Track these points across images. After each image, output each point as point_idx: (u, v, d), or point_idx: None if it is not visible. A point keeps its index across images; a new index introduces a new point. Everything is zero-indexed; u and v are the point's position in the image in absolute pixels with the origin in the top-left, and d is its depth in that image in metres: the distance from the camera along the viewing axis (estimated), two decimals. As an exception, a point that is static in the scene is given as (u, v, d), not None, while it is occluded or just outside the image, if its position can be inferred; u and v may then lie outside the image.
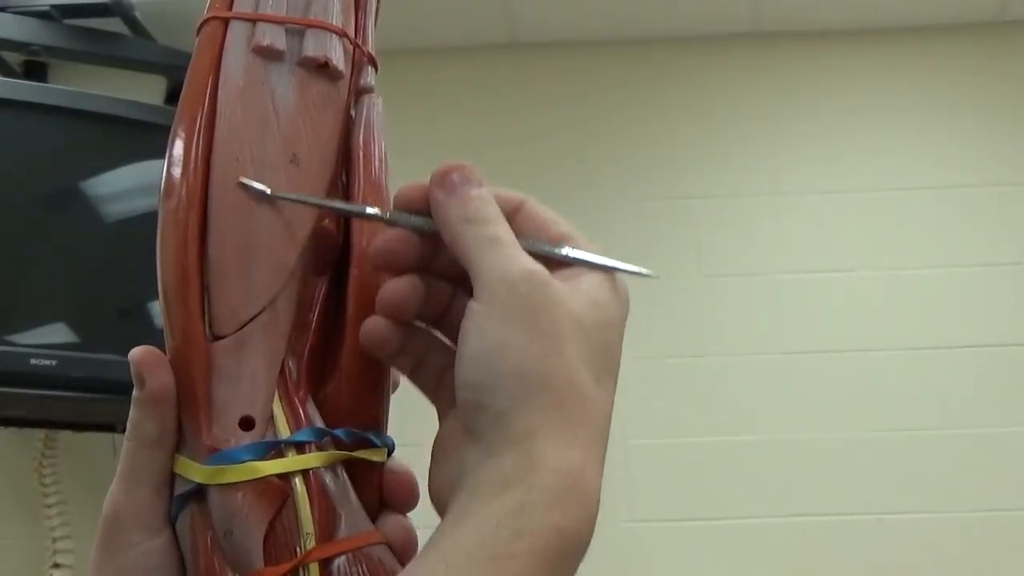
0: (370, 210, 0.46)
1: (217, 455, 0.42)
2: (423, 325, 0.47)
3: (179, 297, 0.43)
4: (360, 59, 0.50)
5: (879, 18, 2.18)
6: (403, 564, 0.44)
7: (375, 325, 0.45)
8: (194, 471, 0.43)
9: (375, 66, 0.51)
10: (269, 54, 0.46)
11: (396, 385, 0.49)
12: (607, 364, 0.43)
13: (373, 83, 0.50)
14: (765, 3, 2.13)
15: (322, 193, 0.46)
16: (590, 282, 0.44)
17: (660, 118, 2.21)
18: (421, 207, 0.45)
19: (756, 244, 2.12)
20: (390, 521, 0.46)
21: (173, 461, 0.44)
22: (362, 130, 0.49)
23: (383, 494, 0.47)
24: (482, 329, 0.41)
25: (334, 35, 0.48)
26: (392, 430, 0.48)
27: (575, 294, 0.43)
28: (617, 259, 0.45)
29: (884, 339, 2.06)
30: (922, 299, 2.08)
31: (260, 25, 0.46)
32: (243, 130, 0.45)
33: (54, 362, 1.63)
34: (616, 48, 2.22)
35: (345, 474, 0.45)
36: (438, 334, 0.48)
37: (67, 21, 1.88)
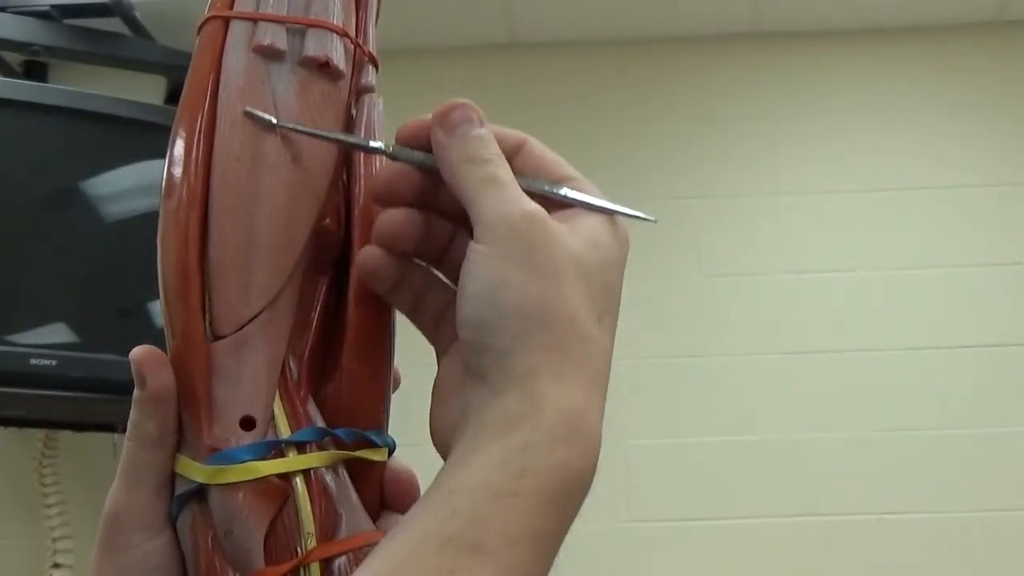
0: (374, 143, 0.46)
1: (218, 455, 0.42)
2: (424, 264, 0.47)
3: (180, 297, 0.43)
4: (361, 59, 0.50)
5: (879, 18, 2.17)
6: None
7: (371, 254, 0.45)
8: (195, 471, 0.42)
9: (376, 66, 0.50)
10: (270, 54, 0.46)
11: (397, 385, 0.49)
12: (607, 304, 0.43)
13: (374, 83, 0.50)
14: (765, 3, 2.12)
15: (322, 193, 0.46)
16: (589, 223, 0.44)
17: (660, 118, 2.21)
18: (423, 143, 0.45)
19: (756, 244, 2.12)
20: (391, 521, 0.46)
21: (174, 461, 0.44)
22: (363, 130, 0.48)
23: (384, 494, 0.47)
24: (482, 269, 0.41)
25: (335, 35, 0.48)
26: (393, 430, 0.47)
27: (574, 234, 0.43)
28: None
29: (884, 339, 2.06)
30: (922, 299, 2.08)
31: (261, 24, 0.46)
32: (244, 130, 0.45)
33: (54, 362, 1.63)
34: (616, 48, 2.22)
35: (346, 474, 0.45)
36: (438, 274, 0.47)
37: (67, 21, 1.88)
